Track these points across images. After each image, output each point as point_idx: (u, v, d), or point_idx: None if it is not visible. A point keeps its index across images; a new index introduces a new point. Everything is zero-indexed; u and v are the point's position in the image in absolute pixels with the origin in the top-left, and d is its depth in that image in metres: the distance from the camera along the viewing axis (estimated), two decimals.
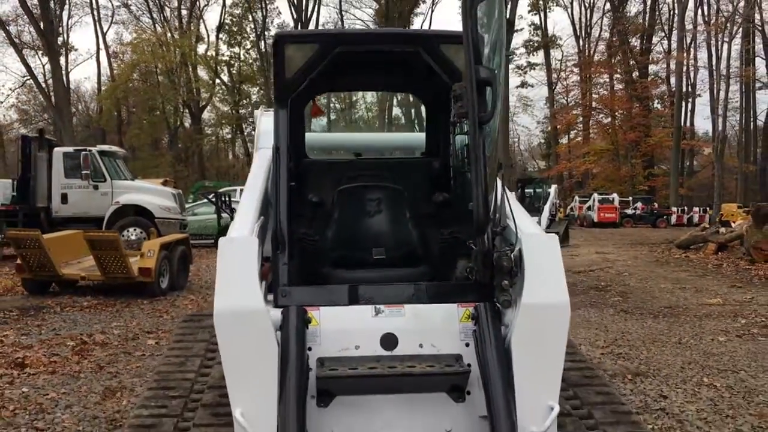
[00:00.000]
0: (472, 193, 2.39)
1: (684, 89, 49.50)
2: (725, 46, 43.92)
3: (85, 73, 75.59)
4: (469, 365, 2.55)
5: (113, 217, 15.46)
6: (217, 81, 54.60)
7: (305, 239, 3.31)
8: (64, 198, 15.70)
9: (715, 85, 43.94)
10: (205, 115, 56.45)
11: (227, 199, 19.81)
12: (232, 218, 17.59)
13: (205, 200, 21.19)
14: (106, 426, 4.36)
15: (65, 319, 8.06)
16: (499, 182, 2.68)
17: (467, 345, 2.63)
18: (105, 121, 50.55)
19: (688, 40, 47.84)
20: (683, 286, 11.17)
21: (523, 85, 56.06)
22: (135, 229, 15.38)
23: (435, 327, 2.66)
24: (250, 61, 55.22)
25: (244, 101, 55.49)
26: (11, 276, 12.17)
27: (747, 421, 4.35)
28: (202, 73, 54.15)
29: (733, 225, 20.36)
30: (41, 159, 15.76)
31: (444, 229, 3.39)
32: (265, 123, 3.90)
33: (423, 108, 3.97)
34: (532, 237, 2.62)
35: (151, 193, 16.39)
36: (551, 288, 2.51)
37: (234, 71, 54.88)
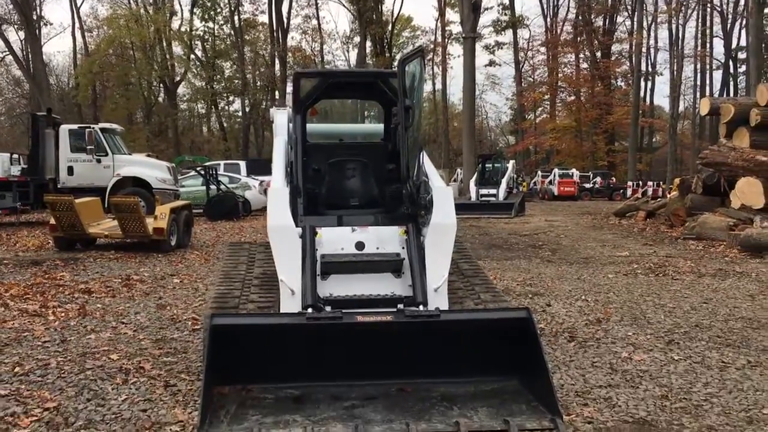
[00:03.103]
0: (402, 162, 4.53)
1: (645, 68, 52.09)
2: (681, 27, 46.46)
3: (56, 48, 76.48)
4: (403, 258, 4.68)
5: (114, 187, 17.38)
6: (192, 56, 55.84)
7: (311, 191, 5.39)
8: (70, 170, 17.56)
9: (673, 65, 46.51)
10: (181, 90, 57.66)
11: (214, 172, 21.77)
12: (218, 190, 19.72)
13: (192, 173, 23.00)
14: (169, 322, 6.46)
15: (102, 266, 10.09)
16: (422, 155, 4.81)
17: (402, 248, 4.76)
18: (81, 95, 51.51)
19: (649, 21, 50.33)
20: (605, 244, 13.50)
21: (492, 63, 58.15)
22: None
23: (385, 238, 4.79)
24: (224, 36, 56.41)
25: (218, 77, 56.88)
26: (37, 236, 14.13)
27: (596, 317, 6.56)
28: (177, 48, 55.34)
29: (668, 196, 22.79)
30: (49, 135, 17.58)
31: (391, 185, 5.52)
32: (280, 117, 5.98)
33: (382, 110, 6.08)
34: (438, 188, 4.77)
35: (149, 166, 18.30)
36: (447, 216, 4.66)
37: (208, 46, 56.05)
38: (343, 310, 4.17)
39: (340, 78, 5.68)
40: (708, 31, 51.47)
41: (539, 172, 45.65)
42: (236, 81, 57.31)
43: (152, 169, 18.17)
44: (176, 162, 22.58)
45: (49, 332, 5.89)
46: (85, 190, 16.71)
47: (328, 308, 4.38)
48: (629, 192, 40.63)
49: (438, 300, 4.49)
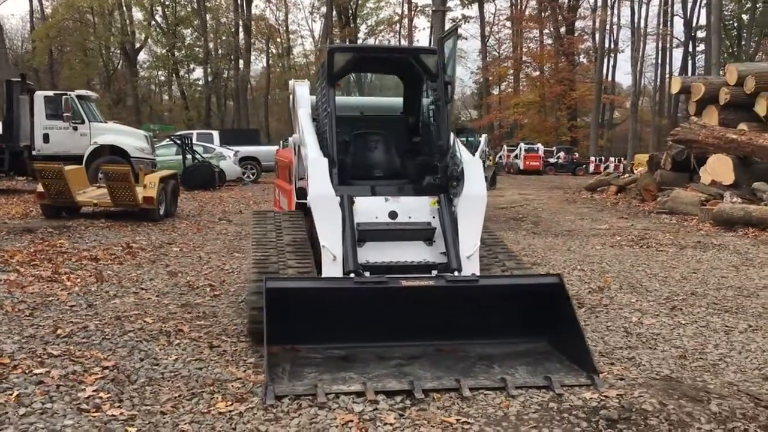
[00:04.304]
0: (441, 136, 4.75)
1: (607, 46, 52.81)
2: (644, 6, 47.22)
3: (10, 10, 73.82)
4: (434, 227, 4.92)
5: (91, 156, 17.19)
6: (152, 22, 54.70)
7: (341, 162, 5.59)
8: (46, 138, 17.29)
9: (635, 43, 47.33)
10: (142, 56, 56.53)
11: (190, 141, 21.62)
12: (194, 159, 19.59)
13: (164, 142, 22.79)
14: (187, 288, 6.61)
15: (97, 234, 10.11)
16: (451, 133, 5.05)
17: (434, 218, 5.00)
18: (37, 60, 50.12)
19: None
20: (583, 217, 13.96)
21: (459, 36, 58.15)
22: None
23: (416, 208, 5.02)
24: (185, 2, 55.35)
25: (179, 44, 55.90)
26: (17, 204, 13.98)
27: (597, 286, 6.92)
28: (137, 14, 54.13)
29: (635, 172, 23.47)
30: (23, 102, 17.25)
31: (416, 157, 5.73)
32: (300, 90, 6.14)
33: (403, 85, 6.27)
34: (468, 161, 5.01)
35: (126, 135, 18.12)
36: (477, 187, 4.92)
37: (169, 12, 54.94)
38: (386, 276, 4.42)
39: (369, 53, 5.84)
40: (669, 9, 52.42)
41: (505, 146, 46.17)
42: (197, 49, 56.45)
43: (129, 138, 17.99)
44: (145, 130, 22.31)
45: (72, 297, 5.99)
46: (61, 158, 16.39)
47: (366, 273, 4.61)
48: (591, 167, 41.45)
49: (470, 266, 4.76)
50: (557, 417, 3.53)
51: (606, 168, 41.31)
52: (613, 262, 8.36)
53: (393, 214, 4.99)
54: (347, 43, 58.36)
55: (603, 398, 3.75)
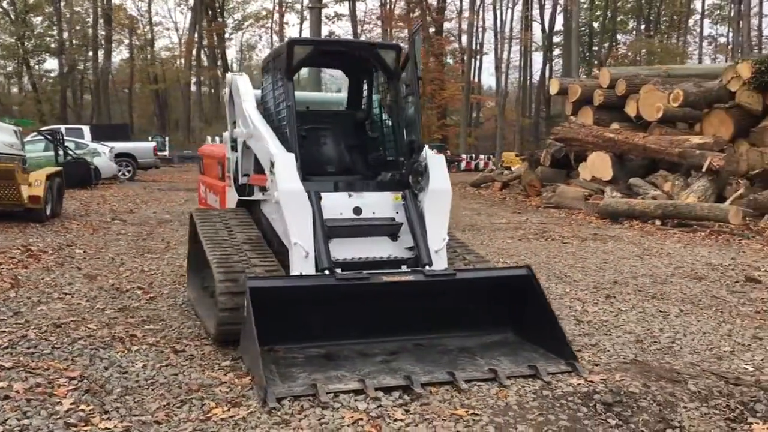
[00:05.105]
0: (413, 132, 4.76)
1: (474, 47, 54.77)
2: (509, 11, 49.40)
3: None
4: (401, 223, 4.91)
5: None
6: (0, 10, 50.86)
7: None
8: None
9: (498, 46, 49.46)
10: None
11: (61, 137, 20.30)
12: (66, 156, 18.32)
13: (30, 138, 21.22)
14: (116, 292, 6.21)
15: None
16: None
17: (397, 213, 4.98)
18: None
19: (478, 3, 52.93)
20: (479, 213, 14.43)
21: (330, 35, 58.23)
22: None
23: (379, 204, 4.98)
24: None
25: (29, 33, 52.24)
26: None
27: None
28: None
29: (513, 169, 24.55)
30: None
31: (371, 153, 5.68)
32: (243, 83, 5.92)
33: (349, 81, 6.20)
34: (432, 156, 5.04)
35: None
36: (442, 182, 4.96)
37: None
38: (365, 272, 4.37)
39: (334, 47, 5.74)
40: (529, 15, 55.18)
41: None
42: (49, 39, 53.05)
43: None
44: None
45: None
46: None
47: (338, 270, 4.53)
48: (463, 164, 42.89)
49: (439, 261, 4.80)
50: (557, 404, 3.64)
51: (477, 165, 42.97)
52: (529, 255, 8.71)
53: (357, 210, 4.93)
54: (215, 37, 57.03)
55: (590, 383, 3.91)
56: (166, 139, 45.38)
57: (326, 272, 4.45)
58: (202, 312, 5.21)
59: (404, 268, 4.73)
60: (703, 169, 12.87)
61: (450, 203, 5.02)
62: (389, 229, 4.93)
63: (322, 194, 4.84)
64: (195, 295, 5.78)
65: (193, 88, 62.36)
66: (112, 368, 4.06)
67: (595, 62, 53.13)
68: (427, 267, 4.65)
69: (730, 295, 6.44)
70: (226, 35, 60.12)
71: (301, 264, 4.52)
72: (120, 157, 23.66)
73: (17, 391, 3.59)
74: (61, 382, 3.76)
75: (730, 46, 50.18)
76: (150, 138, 39.63)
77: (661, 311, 5.74)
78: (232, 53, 65.20)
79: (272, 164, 4.77)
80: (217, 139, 6.49)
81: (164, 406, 3.54)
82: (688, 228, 11.49)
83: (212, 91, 61.62)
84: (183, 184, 22.93)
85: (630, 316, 5.55)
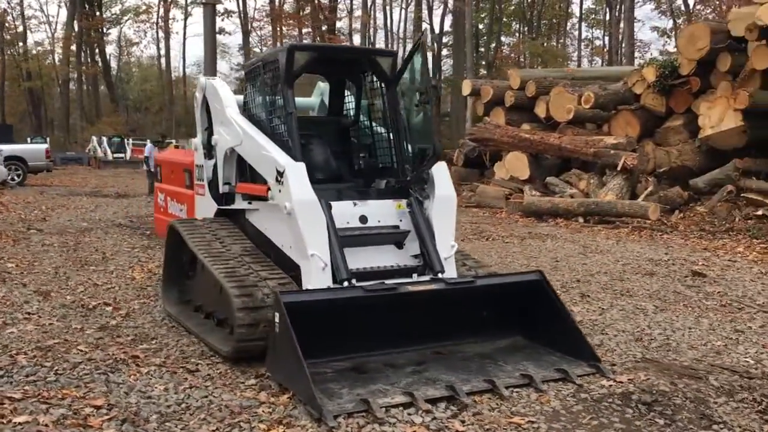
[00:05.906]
0: (427, 139, 4.76)
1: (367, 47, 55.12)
2: (403, 11, 50.11)
3: None
4: (408, 230, 4.88)
5: None
6: None
7: None
8: None
9: (390, 46, 50.03)
10: None
11: None
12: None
13: None
14: (81, 309, 5.81)
15: None
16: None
17: (401, 221, 4.95)
18: None
19: (369, 3, 53.36)
20: None
21: (221, 32, 56.97)
22: None
23: (383, 212, 4.93)
24: None
25: None
26: None
27: None
28: None
29: None
30: None
31: (355, 159, 5.61)
32: (222, 88, 5.71)
33: (329, 87, 6.09)
34: (438, 165, 5.04)
35: None
36: (447, 188, 4.98)
37: None
38: (390, 282, 4.34)
39: (335, 54, 5.61)
40: (421, 15, 56.14)
41: None
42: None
43: None
44: None
45: None
46: None
47: (353, 281, 4.46)
48: None
49: (449, 268, 4.81)
50: (600, 406, 3.74)
51: None
52: (482, 255, 8.84)
53: (363, 219, 4.86)
54: (100, 31, 54.49)
55: (620, 384, 4.05)
56: (47, 140, 42.86)
57: (345, 283, 4.37)
58: (199, 329, 4.98)
59: (415, 276, 4.73)
60: (618, 168, 13.55)
61: (455, 209, 5.05)
62: (396, 237, 4.90)
63: (333, 203, 4.74)
64: (175, 310, 5.53)
65: (72, 85, 59.17)
66: (134, 394, 3.80)
67: (482, 63, 54.75)
68: (440, 274, 4.66)
69: (688, 290, 6.83)
70: (105, 29, 57.61)
71: (319, 276, 4.41)
72: (8, 160, 22.11)
73: (46, 425, 3.30)
74: (88, 412, 3.49)
75: (605, 49, 53.03)
76: (29, 140, 37.31)
77: (638, 308, 6.01)
78: (111, 49, 62.34)
79: (279, 174, 4.62)
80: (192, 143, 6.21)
81: (214, 431, 3.36)
82: (610, 224, 12.08)
83: (89, 88, 58.85)
84: (79, 188, 21.76)
85: (614, 315, 5.78)
